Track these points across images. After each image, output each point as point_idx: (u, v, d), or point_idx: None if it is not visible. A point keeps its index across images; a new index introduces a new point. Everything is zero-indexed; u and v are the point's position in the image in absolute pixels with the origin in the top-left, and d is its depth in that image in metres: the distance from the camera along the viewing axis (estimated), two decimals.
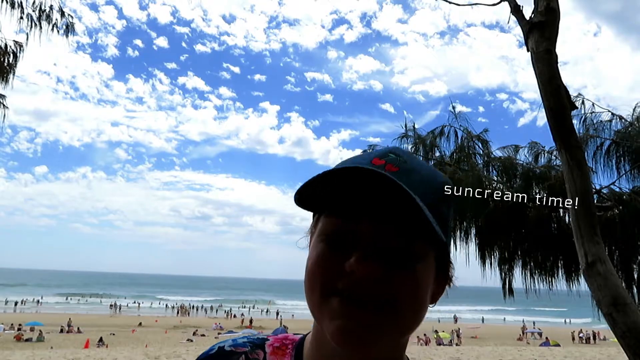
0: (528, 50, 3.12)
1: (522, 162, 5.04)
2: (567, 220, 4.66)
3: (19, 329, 34.78)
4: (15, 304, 61.87)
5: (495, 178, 5.11)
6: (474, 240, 5.59)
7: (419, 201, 0.56)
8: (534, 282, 5.01)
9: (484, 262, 5.47)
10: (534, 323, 55.33)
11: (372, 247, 0.59)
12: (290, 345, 0.74)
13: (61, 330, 36.01)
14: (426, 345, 30.58)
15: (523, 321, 54.74)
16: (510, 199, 4.28)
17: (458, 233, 5.41)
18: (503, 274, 5.22)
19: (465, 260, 5.63)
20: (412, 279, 0.60)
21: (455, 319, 62.51)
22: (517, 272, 5.24)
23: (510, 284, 5.27)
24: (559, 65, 2.98)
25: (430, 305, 0.67)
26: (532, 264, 4.92)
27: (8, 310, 55.98)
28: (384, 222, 0.59)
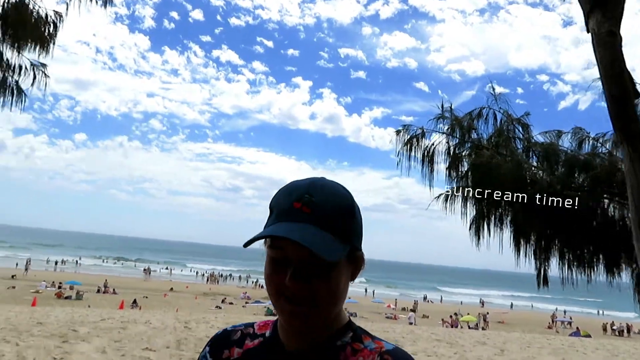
0: (588, 32, 2.92)
1: (565, 149, 4.86)
2: (610, 213, 4.49)
3: (59, 287, 36.43)
4: (56, 263, 64.59)
5: (535, 164, 4.96)
6: (508, 227, 5.47)
7: (315, 249, 0.92)
8: (572, 273, 4.88)
9: (518, 250, 5.35)
10: (564, 312, 54.29)
11: (298, 267, 0.95)
12: (270, 323, 1.14)
13: (98, 291, 37.52)
14: (452, 327, 30.53)
15: (556, 309, 53.63)
16: (551, 187, 4.14)
17: (492, 219, 5.30)
18: (538, 263, 5.11)
19: (499, 248, 5.54)
20: (327, 284, 0.96)
21: (482, 303, 62.03)
22: (554, 261, 5.11)
23: (545, 274, 5.16)
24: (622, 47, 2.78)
25: (351, 282, 1.03)
26: (570, 255, 4.79)
27: (49, 269, 58.60)
28: (302, 252, 0.94)
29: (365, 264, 1.07)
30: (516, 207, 4.54)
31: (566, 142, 5.16)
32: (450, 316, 35.71)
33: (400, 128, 5.50)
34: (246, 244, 0.98)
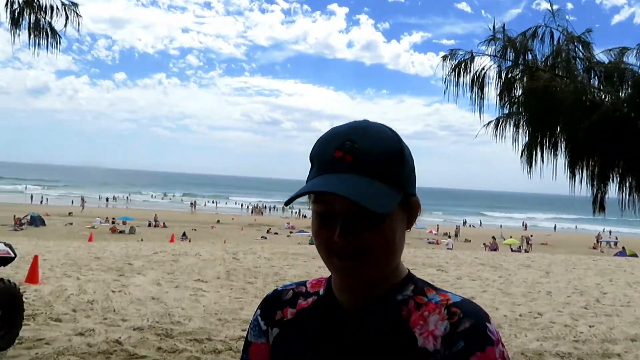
0: None
1: (631, 68, 4.42)
2: None
3: (113, 222, 38.46)
4: (107, 200, 67.86)
5: (596, 85, 4.56)
6: (563, 152, 5.17)
7: (362, 202, 0.82)
8: (632, 200, 4.61)
9: (573, 176, 5.08)
10: (609, 232, 53.39)
11: (347, 221, 0.87)
12: (323, 280, 1.06)
13: (149, 225, 39.42)
14: (493, 251, 30.63)
15: (603, 230, 52.61)
16: (617, 110, 3.79)
17: (547, 145, 5.00)
18: (596, 189, 4.84)
19: (552, 174, 5.28)
20: (380, 236, 0.88)
21: (525, 226, 61.67)
22: (612, 187, 4.83)
23: (602, 200, 4.90)
24: None
25: (407, 230, 0.96)
26: (633, 181, 4.48)
27: (101, 206, 61.72)
28: (349, 205, 0.85)
29: (421, 209, 0.98)
30: (575, 132, 4.21)
31: (631, 60, 4.70)
32: (493, 237, 35.71)
33: (447, 53, 5.14)
34: (287, 203, 0.91)
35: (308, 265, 14.18)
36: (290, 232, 39.91)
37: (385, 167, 0.88)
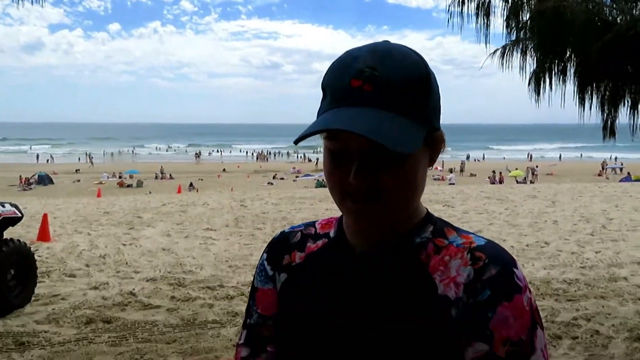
0: None
1: None
2: None
3: (120, 177, 38.71)
4: (112, 154, 68.11)
5: (609, 4, 4.30)
6: (572, 78, 4.97)
7: (384, 141, 0.71)
8: None
9: (583, 103, 4.91)
10: (615, 158, 53.25)
11: (363, 160, 0.77)
12: (334, 220, 0.97)
13: (156, 177, 39.67)
14: (500, 184, 30.71)
15: (609, 157, 52.45)
16: (631, 29, 3.57)
17: (556, 70, 4.80)
18: (606, 114, 4.68)
19: (561, 102, 5.11)
20: (400, 177, 0.78)
21: (530, 157, 61.56)
22: (623, 111, 4.67)
23: (613, 125, 4.75)
24: None
25: (429, 168, 0.88)
26: None
27: (107, 161, 61.98)
28: (366, 142, 0.75)
29: (445, 144, 0.89)
30: (587, 54, 3.99)
31: None
32: (493, 171, 35.75)
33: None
34: (296, 141, 0.79)
35: (315, 209, 14.28)
36: (297, 177, 40.10)
37: (409, 99, 0.78)
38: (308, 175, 38.37)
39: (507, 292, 0.77)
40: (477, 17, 4.63)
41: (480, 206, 14.40)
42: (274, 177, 39.50)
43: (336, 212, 0.92)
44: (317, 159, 54.62)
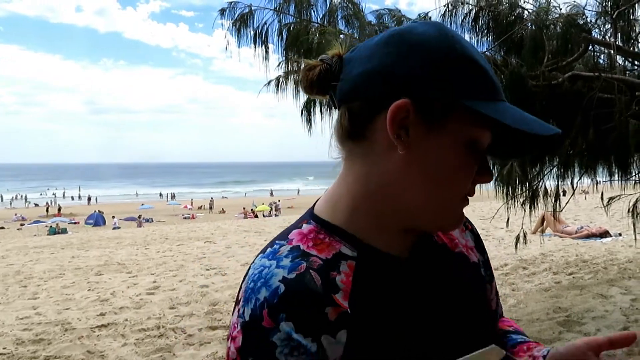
0: None
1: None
2: None
3: None
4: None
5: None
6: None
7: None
8: None
9: None
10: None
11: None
12: (322, 234, 0.74)
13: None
14: (255, 218, 32.06)
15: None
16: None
17: (324, 101, 5.23)
18: None
19: (330, 132, 5.56)
20: None
21: (271, 193, 66.34)
22: None
23: None
24: None
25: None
26: None
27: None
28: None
29: None
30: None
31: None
32: (244, 208, 37.43)
33: (226, 6, 4.81)
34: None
35: (58, 257, 12.25)
36: (21, 224, 34.05)
37: None
38: (37, 222, 32.96)
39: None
40: (254, 44, 4.71)
41: (241, 240, 14.66)
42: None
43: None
44: (47, 203, 47.60)
